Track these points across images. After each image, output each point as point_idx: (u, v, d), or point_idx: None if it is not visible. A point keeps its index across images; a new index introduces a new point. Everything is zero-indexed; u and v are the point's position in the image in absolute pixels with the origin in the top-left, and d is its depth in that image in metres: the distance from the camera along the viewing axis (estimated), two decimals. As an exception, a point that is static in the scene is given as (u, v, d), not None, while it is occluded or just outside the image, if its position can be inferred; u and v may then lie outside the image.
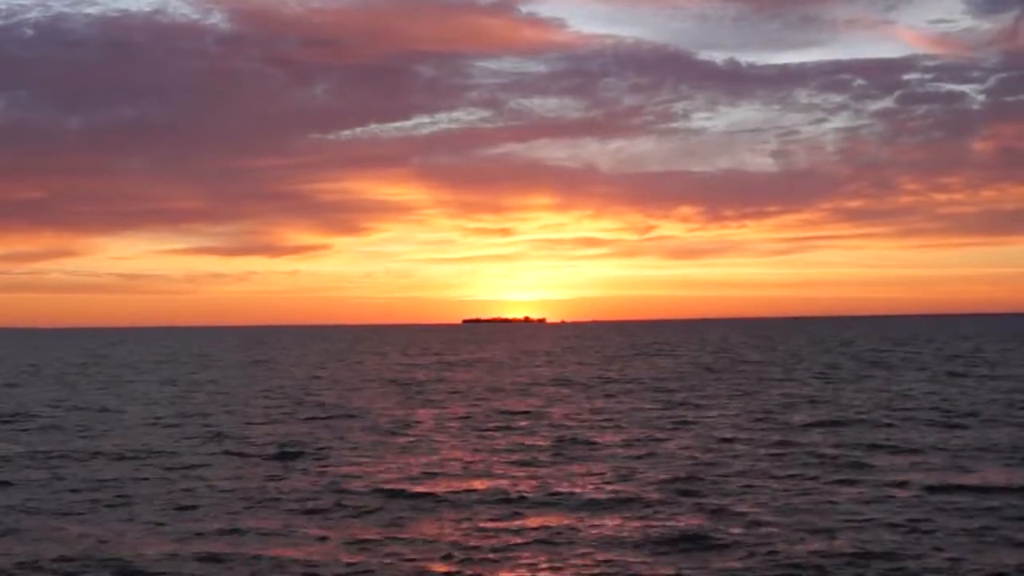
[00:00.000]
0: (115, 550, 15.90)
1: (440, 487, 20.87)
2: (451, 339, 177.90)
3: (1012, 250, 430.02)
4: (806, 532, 16.34)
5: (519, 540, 16.14)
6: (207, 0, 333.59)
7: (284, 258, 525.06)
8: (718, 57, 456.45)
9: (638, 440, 27.92)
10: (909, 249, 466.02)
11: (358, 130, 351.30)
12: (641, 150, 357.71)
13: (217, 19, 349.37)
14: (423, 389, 49.66)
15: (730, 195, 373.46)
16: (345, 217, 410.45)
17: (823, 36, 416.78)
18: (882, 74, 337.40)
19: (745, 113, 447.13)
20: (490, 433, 30.37)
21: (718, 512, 17.95)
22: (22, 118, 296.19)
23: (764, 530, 16.53)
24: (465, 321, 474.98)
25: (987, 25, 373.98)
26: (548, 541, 16.05)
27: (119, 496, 20.45)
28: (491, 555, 15.27)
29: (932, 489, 19.76)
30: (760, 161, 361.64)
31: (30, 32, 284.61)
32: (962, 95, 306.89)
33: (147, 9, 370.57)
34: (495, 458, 25.00)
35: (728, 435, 28.57)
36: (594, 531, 16.67)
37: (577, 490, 20.25)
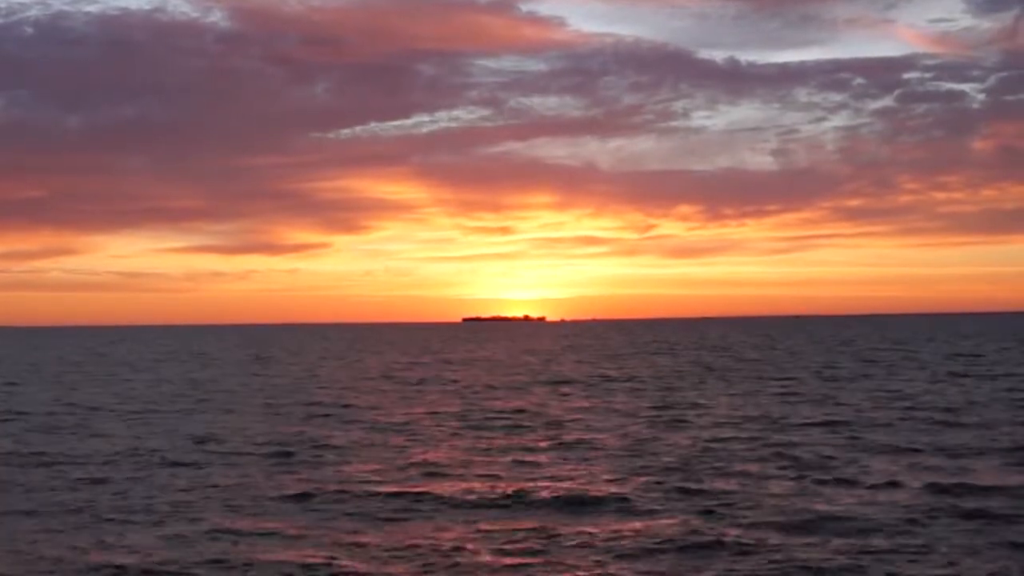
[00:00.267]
0: (109, 553, 15.86)
1: (438, 487, 20.84)
2: (451, 337, 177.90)
3: (1012, 249, 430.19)
4: (804, 533, 16.31)
5: (517, 540, 16.11)
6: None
7: (284, 256, 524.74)
8: (718, 56, 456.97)
9: (636, 439, 27.89)
10: (909, 248, 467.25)
11: (358, 129, 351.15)
12: (641, 149, 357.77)
13: (217, 17, 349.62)
14: (422, 388, 49.64)
15: (730, 194, 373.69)
16: (345, 215, 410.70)
17: (823, 35, 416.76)
18: (882, 73, 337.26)
19: (745, 112, 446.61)
20: (488, 432, 30.34)
21: (715, 512, 17.90)
22: (22, 117, 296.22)
23: (761, 531, 16.49)
24: (465, 320, 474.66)
25: (987, 24, 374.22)
26: (545, 541, 16.01)
27: (114, 496, 20.39)
28: (488, 556, 15.24)
29: (931, 489, 19.72)
30: (760, 160, 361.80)
31: (30, 31, 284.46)
32: (962, 94, 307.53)
33: (147, 7, 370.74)
34: (493, 457, 24.96)
35: (726, 434, 28.54)
36: (591, 531, 16.63)
37: (575, 489, 20.22)
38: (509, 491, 20.11)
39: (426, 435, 29.82)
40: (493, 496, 19.73)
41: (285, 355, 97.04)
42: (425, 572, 14.48)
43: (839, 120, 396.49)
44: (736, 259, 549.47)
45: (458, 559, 15.04)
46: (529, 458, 24.79)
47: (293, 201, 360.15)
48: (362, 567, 14.73)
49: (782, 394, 41.88)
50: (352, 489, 20.66)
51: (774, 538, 15.94)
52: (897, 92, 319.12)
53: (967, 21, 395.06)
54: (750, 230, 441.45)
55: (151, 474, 23.10)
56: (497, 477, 22.00)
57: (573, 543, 15.89)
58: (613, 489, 20.25)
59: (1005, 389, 42.14)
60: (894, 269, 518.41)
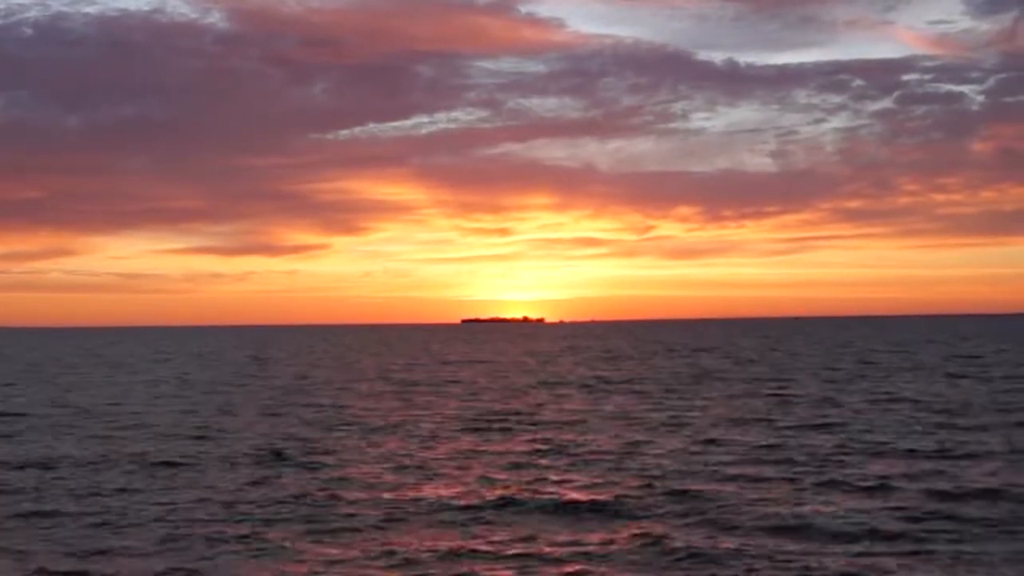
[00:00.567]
0: (103, 559, 15.78)
1: (434, 490, 20.76)
2: (449, 339, 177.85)
3: (1011, 250, 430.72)
4: (799, 537, 16.23)
5: (510, 544, 16.04)
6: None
7: (283, 258, 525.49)
8: (717, 57, 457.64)
9: (631, 442, 27.79)
10: (908, 249, 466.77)
11: (357, 130, 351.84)
12: (640, 150, 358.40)
13: (216, 18, 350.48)
14: (420, 389, 49.54)
15: (729, 195, 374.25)
16: (344, 217, 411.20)
17: (822, 36, 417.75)
18: (881, 74, 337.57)
19: (744, 113, 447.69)
20: (485, 434, 30.25)
21: (712, 515, 17.82)
22: (21, 117, 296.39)
23: (756, 535, 16.41)
24: (464, 321, 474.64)
25: (986, 26, 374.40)
26: (539, 545, 15.94)
27: (108, 498, 20.31)
28: (481, 560, 15.17)
29: (929, 492, 19.65)
30: (759, 161, 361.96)
31: (29, 31, 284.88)
32: (961, 96, 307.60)
33: (146, 8, 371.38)
34: (490, 460, 24.87)
35: (724, 436, 28.46)
36: (585, 535, 16.56)
37: (571, 493, 20.14)
38: (503, 494, 20.02)
39: (421, 437, 29.73)
40: (487, 499, 19.64)
41: (283, 356, 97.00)
42: (417, 576, 14.41)
43: (838, 121, 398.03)
44: (735, 260, 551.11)
45: (451, 563, 14.96)
46: (524, 461, 24.70)
47: (292, 202, 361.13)
48: (355, 571, 14.65)
49: (779, 396, 41.77)
50: (345, 492, 20.55)
51: (769, 542, 15.86)
52: (896, 94, 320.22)
53: (966, 23, 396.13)
54: (749, 231, 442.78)
55: (146, 476, 23.00)
56: (492, 480, 21.90)
57: (566, 547, 15.81)
58: (607, 492, 20.15)
59: (1003, 391, 42.05)
60: (893, 271, 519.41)
